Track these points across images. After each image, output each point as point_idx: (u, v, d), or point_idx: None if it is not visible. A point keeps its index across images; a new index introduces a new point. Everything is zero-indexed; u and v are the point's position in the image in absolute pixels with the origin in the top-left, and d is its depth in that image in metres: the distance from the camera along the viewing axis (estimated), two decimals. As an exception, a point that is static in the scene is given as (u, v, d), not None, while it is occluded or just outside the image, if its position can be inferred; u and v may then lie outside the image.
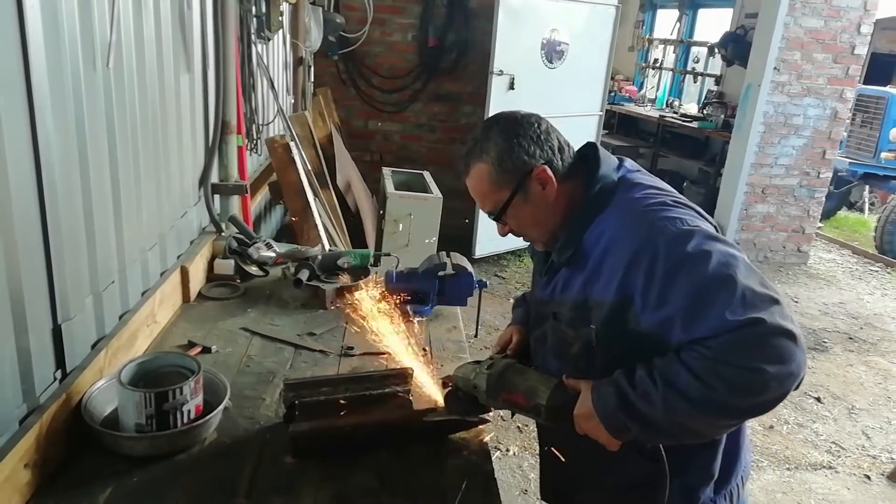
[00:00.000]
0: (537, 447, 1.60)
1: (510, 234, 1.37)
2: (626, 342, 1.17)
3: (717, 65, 8.70)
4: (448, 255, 2.13)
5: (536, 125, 1.28)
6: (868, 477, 3.33)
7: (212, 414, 1.44)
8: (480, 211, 5.42)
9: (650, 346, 1.12)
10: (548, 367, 1.37)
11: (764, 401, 1.03)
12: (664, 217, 1.16)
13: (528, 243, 1.46)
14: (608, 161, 1.31)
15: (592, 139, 6.49)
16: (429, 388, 1.53)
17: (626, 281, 1.14)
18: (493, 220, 1.33)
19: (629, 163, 1.35)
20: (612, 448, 1.19)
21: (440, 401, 1.48)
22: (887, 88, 7.95)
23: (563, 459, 1.41)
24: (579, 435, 1.21)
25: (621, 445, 1.19)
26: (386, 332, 1.72)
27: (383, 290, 1.98)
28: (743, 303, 1.03)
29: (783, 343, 1.00)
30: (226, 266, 2.28)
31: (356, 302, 1.88)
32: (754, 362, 1.00)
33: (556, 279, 1.31)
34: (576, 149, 1.34)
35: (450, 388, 1.44)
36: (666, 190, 1.28)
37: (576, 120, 5.52)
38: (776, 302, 1.04)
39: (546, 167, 1.26)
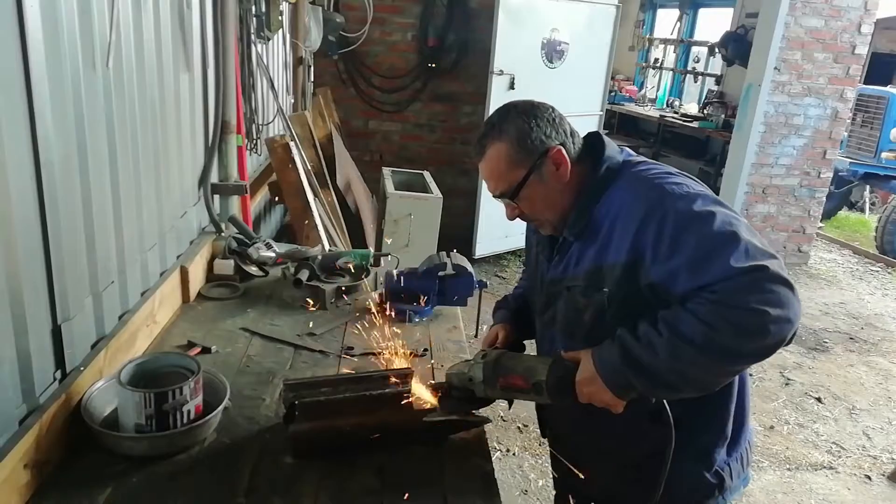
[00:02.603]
0: (537, 447, 1.60)
1: (518, 220, 1.41)
2: (636, 303, 1.21)
3: (717, 64, 8.71)
4: (448, 255, 2.13)
5: (551, 110, 1.36)
6: (869, 477, 3.33)
7: (212, 414, 1.44)
8: (480, 210, 5.49)
9: (658, 304, 1.17)
10: (555, 348, 1.39)
11: (765, 345, 1.08)
12: (671, 183, 1.25)
13: (525, 236, 1.51)
14: (612, 146, 1.39)
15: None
16: (423, 392, 1.53)
17: (637, 239, 1.20)
18: (507, 200, 1.37)
19: (629, 150, 1.44)
20: (617, 410, 1.21)
21: (434, 404, 1.47)
22: (888, 88, 7.95)
23: (580, 476, 1.41)
24: (579, 415, 1.24)
25: (625, 423, 1.23)
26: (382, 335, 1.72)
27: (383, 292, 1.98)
28: (746, 254, 1.11)
29: (783, 290, 1.08)
30: (225, 266, 2.28)
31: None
32: (758, 305, 1.06)
33: (569, 255, 1.35)
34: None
35: (442, 390, 1.44)
36: (667, 167, 1.35)
37: (576, 120, 5.42)
38: (775, 257, 1.13)
39: (561, 148, 1.32)
